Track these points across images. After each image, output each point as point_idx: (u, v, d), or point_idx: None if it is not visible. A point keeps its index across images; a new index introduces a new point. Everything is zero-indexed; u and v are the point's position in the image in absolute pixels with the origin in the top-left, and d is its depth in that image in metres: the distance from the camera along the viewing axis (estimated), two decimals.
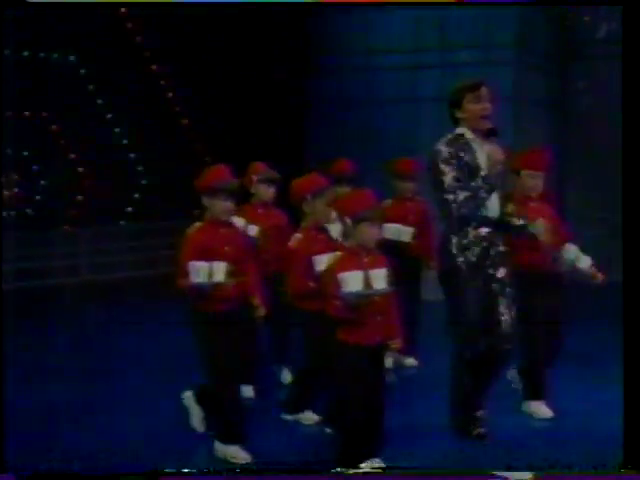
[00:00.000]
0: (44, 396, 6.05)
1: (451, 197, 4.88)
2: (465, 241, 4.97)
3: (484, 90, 4.99)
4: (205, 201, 4.79)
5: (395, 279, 4.61)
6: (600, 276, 5.60)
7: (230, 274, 4.66)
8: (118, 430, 5.31)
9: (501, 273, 5.03)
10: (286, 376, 6.34)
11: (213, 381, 4.82)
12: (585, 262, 5.55)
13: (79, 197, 11.80)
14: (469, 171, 4.91)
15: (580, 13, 10.94)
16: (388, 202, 6.75)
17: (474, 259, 4.96)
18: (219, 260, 4.64)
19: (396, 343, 4.63)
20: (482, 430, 5.13)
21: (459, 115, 5.04)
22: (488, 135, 4.95)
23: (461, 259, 4.97)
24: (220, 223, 4.82)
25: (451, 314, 5.11)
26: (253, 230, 5.95)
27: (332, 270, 4.53)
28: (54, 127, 11.60)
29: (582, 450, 4.73)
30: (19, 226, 10.66)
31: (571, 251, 5.54)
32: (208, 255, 4.66)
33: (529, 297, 5.36)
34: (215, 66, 12.07)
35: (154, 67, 12.59)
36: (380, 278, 4.50)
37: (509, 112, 9.07)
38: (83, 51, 11.70)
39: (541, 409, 5.59)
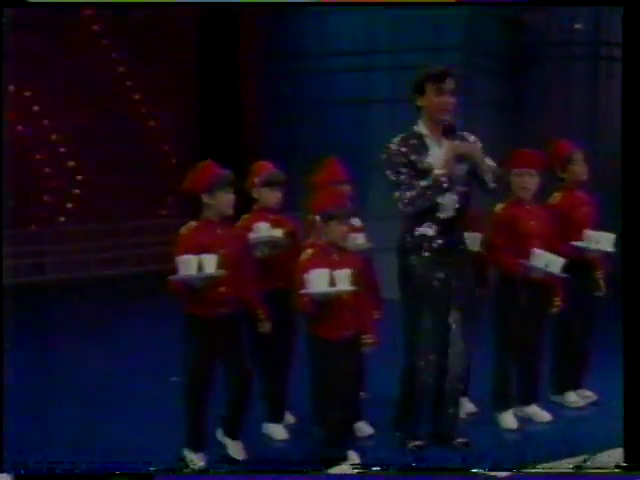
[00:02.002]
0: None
1: (397, 194, 4.80)
2: (411, 240, 4.89)
3: (449, 82, 4.78)
4: (207, 198, 4.67)
5: None
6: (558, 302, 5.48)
7: (222, 267, 4.53)
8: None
9: (454, 277, 4.88)
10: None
11: (187, 383, 4.77)
12: (556, 266, 5.25)
13: (46, 197, 11.90)
14: (418, 170, 4.76)
15: (534, 15, 11.11)
16: None
17: (422, 260, 4.85)
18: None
19: (368, 338, 4.68)
20: (463, 440, 5.00)
21: (420, 103, 4.85)
22: (444, 132, 4.80)
23: (411, 259, 4.89)
24: (218, 222, 4.72)
25: (402, 317, 4.98)
26: (279, 233, 5.20)
27: (301, 266, 4.56)
28: (19, 128, 11.63)
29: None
30: None
31: (538, 257, 5.27)
32: (201, 254, 4.52)
33: (504, 300, 5.37)
34: (174, 67, 12.28)
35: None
36: (346, 277, 4.46)
37: (459, 113, 9.39)
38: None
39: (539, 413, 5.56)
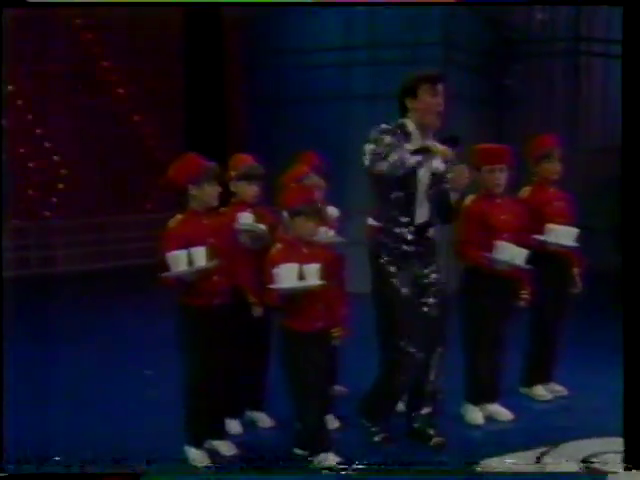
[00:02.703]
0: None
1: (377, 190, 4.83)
2: (385, 239, 4.87)
3: (441, 87, 4.76)
4: (193, 190, 4.67)
5: None
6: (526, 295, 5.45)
7: (212, 258, 4.55)
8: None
9: (428, 279, 4.89)
10: None
11: (186, 377, 4.75)
12: (520, 258, 5.22)
13: (30, 192, 11.94)
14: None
15: (514, 12, 11.23)
16: None
17: (395, 260, 4.83)
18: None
19: (338, 331, 4.69)
20: (439, 439, 4.97)
21: (411, 105, 4.78)
22: (445, 142, 4.65)
23: (384, 259, 4.87)
24: (203, 213, 4.73)
25: (378, 314, 4.98)
26: (261, 226, 5.15)
27: (270, 261, 4.58)
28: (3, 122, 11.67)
29: None
30: None
31: (502, 249, 5.23)
32: (191, 247, 4.54)
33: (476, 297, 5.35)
34: (159, 63, 12.31)
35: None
36: (315, 272, 4.47)
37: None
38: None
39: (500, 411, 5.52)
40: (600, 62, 11.42)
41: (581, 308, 6.62)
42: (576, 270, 5.94)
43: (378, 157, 4.59)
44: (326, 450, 4.63)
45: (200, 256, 4.52)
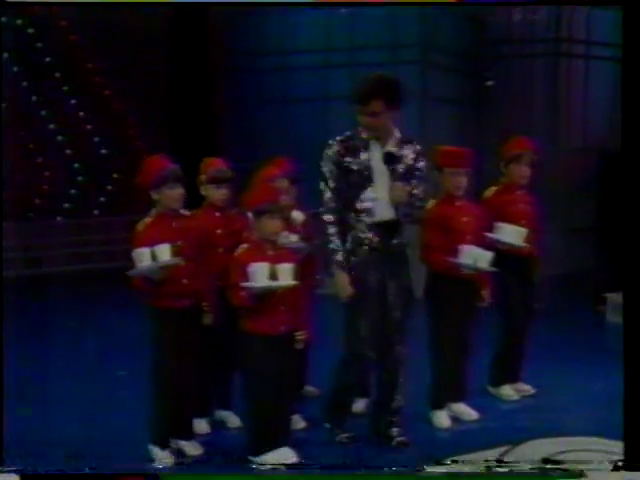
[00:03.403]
0: None
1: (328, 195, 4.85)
2: (347, 244, 4.86)
3: (374, 104, 4.66)
4: (154, 194, 4.69)
5: None
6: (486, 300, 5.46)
7: (176, 255, 4.53)
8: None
9: (389, 282, 4.87)
10: None
11: (155, 378, 4.75)
12: (484, 260, 5.21)
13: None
14: (350, 173, 4.77)
15: (495, 13, 11.25)
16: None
17: (355, 263, 4.83)
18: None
19: (302, 334, 4.69)
20: (402, 439, 4.97)
21: (358, 116, 4.78)
22: (386, 161, 4.74)
23: (349, 260, 4.86)
24: (171, 215, 4.73)
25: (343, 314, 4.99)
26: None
27: (237, 261, 4.58)
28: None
29: None
30: None
31: (466, 253, 5.21)
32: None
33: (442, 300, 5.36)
34: (144, 66, 12.36)
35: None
36: (287, 272, 4.48)
37: (416, 110, 9.36)
38: (17, 49, 11.80)
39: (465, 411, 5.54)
40: (580, 63, 11.47)
41: (553, 309, 6.73)
42: (536, 276, 5.96)
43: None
44: (278, 447, 4.62)
45: (164, 252, 4.52)
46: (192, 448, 4.90)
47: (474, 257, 5.22)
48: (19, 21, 11.52)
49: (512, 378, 6.02)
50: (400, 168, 4.81)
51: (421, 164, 4.88)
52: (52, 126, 12.30)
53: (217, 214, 5.24)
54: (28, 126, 12.13)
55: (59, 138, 12.41)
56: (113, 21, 11.99)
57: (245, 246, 4.68)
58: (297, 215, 5.34)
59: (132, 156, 12.46)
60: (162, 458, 4.74)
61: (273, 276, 4.48)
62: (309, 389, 5.79)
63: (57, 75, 12.21)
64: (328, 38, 10.14)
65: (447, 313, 5.36)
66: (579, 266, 10.41)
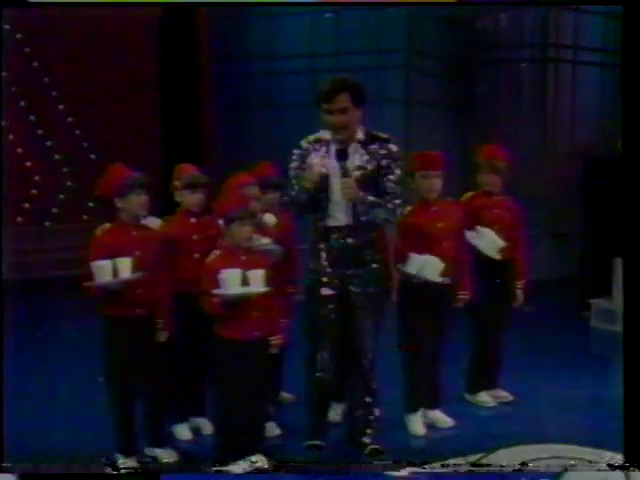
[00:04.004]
0: None
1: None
2: (310, 244, 4.91)
3: (339, 100, 4.65)
4: (118, 202, 4.70)
5: None
6: (464, 295, 5.41)
7: (137, 269, 4.55)
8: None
9: (352, 282, 4.83)
10: None
11: (109, 387, 4.76)
12: (432, 270, 5.13)
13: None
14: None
15: (481, 17, 11.28)
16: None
17: (317, 264, 4.85)
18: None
19: (276, 339, 4.70)
20: (376, 446, 4.91)
21: (324, 116, 4.78)
22: (338, 157, 4.72)
23: (311, 264, 4.92)
24: (132, 224, 4.73)
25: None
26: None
27: (209, 267, 4.59)
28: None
29: None
30: None
31: (412, 262, 5.13)
32: (116, 256, 4.54)
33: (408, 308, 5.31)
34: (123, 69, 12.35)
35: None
36: (258, 278, 4.50)
37: (401, 114, 9.46)
38: (5, 54, 11.77)
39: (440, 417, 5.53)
40: (568, 68, 11.46)
41: (537, 314, 6.69)
42: (519, 284, 5.91)
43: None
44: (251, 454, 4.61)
45: (125, 267, 4.53)
46: (166, 455, 4.87)
47: (419, 266, 5.12)
48: (7, 26, 11.48)
49: (489, 384, 6.00)
50: (355, 167, 4.73)
51: (388, 162, 4.79)
52: (40, 132, 12.29)
53: (192, 220, 5.23)
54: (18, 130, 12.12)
55: (48, 143, 12.39)
56: (100, 25, 11.98)
57: (217, 253, 4.69)
58: (269, 217, 5.31)
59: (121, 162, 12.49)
60: (124, 464, 4.70)
61: (245, 282, 4.47)
62: (285, 396, 5.78)
63: (46, 80, 12.18)
64: (313, 43, 10.15)
65: (417, 318, 5.29)
66: (564, 271, 10.40)
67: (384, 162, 4.80)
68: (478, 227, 5.66)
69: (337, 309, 4.84)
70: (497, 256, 5.67)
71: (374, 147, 4.81)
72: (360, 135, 4.82)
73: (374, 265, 4.87)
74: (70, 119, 12.39)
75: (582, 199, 9.89)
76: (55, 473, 4.35)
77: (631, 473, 4.29)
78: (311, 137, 4.91)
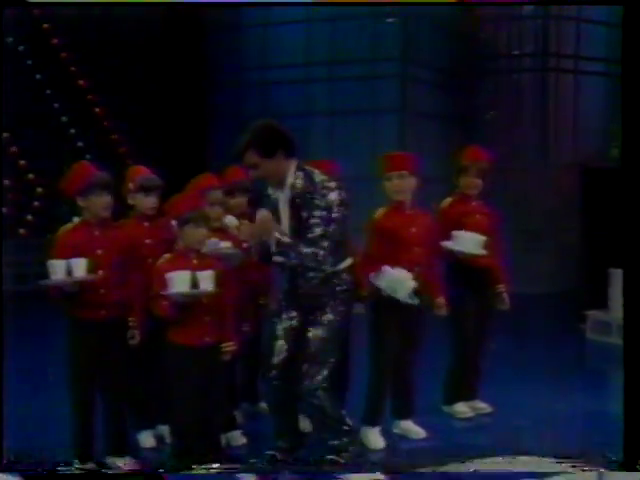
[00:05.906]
0: None
1: None
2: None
3: (248, 157, 4.45)
4: (80, 201, 4.61)
5: None
6: (440, 300, 5.30)
7: (100, 269, 4.47)
8: None
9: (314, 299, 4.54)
10: None
11: (71, 391, 4.66)
12: (402, 292, 4.96)
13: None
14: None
15: (481, 27, 11.21)
16: None
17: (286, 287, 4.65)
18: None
19: (229, 345, 4.58)
20: (335, 458, 4.60)
21: None
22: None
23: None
24: (95, 224, 4.63)
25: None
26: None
27: (159, 270, 4.49)
28: None
29: None
30: None
31: (381, 276, 4.99)
32: (76, 256, 4.43)
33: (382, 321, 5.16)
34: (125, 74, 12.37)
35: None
36: (207, 279, 4.38)
37: (395, 124, 9.37)
38: None
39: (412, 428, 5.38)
40: (569, 78, 11.36)
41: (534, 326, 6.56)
42: (501, 287, 5.79)
43: None
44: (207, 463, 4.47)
45: (79, 267, 4.41)
46: (123, 464, 4.75)
47: (391, 285, 4.95)
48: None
49: (468, 395, 5.84)
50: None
51: (311, 195, 4.38)
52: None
53: (146, 224, 5.08)
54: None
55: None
56: (95, 27, 12.04)
57: (167, 256, 4.60)
58: (230, 220, 5.20)
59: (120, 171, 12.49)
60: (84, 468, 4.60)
61: (196, 285, 4.36)
62: (263, 406, 5.58)
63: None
64: (309, 53, 10.12)
65: (383, 329, 5.13)
66: (562, 283, 10.26)
67: (305, 194, 4.41)
68: (452, 232, 5.51)
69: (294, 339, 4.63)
70: (482, 251, 5.50)
71: (301, 181, 4.44)
72: (290, 178, 4.45)
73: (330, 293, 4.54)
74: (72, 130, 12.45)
75: (579, 210, 9.76)
76: (55, 473, 4.31)
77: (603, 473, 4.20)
78: None
